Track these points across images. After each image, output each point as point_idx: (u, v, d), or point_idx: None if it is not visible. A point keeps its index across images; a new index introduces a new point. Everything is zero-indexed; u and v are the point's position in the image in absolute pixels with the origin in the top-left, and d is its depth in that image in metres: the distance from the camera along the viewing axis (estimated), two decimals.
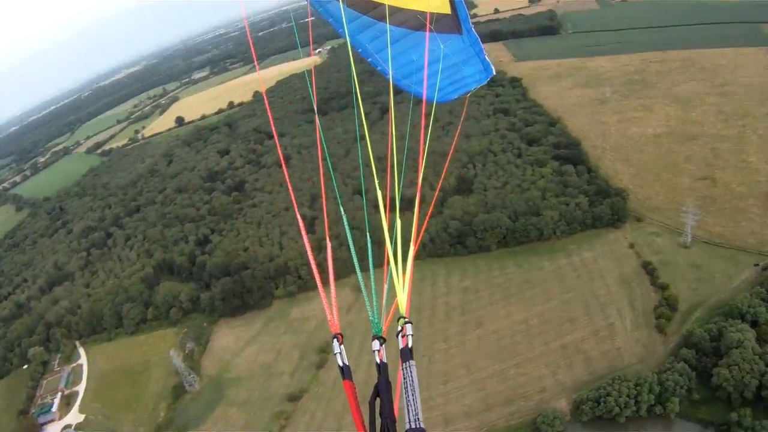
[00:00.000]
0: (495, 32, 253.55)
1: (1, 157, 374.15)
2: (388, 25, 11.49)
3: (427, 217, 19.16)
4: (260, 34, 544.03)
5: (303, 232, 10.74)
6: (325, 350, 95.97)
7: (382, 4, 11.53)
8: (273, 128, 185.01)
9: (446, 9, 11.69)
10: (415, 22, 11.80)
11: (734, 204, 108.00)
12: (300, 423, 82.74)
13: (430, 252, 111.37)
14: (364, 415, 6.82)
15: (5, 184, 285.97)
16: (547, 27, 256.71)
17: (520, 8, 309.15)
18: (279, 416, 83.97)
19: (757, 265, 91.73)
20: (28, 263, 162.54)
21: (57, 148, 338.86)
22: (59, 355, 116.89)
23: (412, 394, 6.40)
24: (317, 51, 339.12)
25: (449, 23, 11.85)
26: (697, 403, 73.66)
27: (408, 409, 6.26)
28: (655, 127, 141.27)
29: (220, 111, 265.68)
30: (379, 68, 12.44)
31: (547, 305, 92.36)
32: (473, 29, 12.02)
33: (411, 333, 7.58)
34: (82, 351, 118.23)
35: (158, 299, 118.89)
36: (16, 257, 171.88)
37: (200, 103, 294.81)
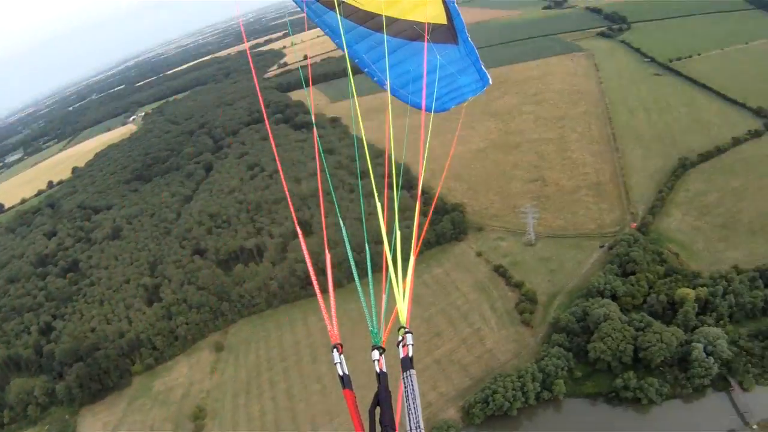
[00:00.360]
0: (307, 78, 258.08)
1: None
2: (385, 35, 11.62)
3: (426, 225, 19.42)
4: (70, 108, 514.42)
5: (301, 240, 10.80)
6: (199, 416, 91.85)
7: (379, 15, 11.67)
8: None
9: (442, 20, 11.91)
10: (411, 32, 11.94)
11: (568, 198, 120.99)
12: None
13: (281, 299, 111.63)
14: (364, 423, 6.85)
15: None
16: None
17: (329, 51, 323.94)
18: None
19: (603, 246, 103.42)
20: None
21: None
22: None
23: (413, 402, 6.41)
24: (131, 119, 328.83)
25: (445, 33, 12.09)
26: (581, 379, 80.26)
27: (409, 417, 6.28)
28: (479, 143, 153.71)
29: (40, 192, 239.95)
30: (375, 78, 12.61)
31: (411, 325, 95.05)
32: (470, 39, 12.26)
33: (411, 342, 7.73)
34: None
35: (11, 399, 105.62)
36: None
37: (18, 186, 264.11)
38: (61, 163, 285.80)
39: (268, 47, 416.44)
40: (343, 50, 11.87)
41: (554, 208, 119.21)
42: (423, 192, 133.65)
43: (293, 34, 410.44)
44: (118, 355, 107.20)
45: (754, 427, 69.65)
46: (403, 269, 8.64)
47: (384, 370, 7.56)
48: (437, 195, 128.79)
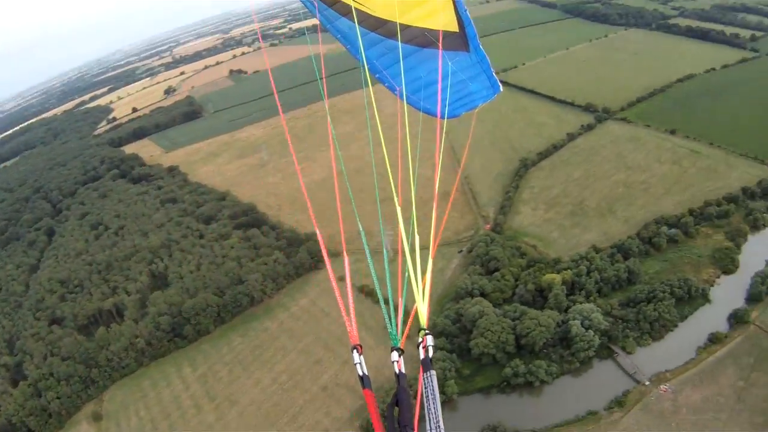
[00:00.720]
0: (138, 130, 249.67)
1: None
2: (399, 42, 11.62)
3: (442, 226, 17.78)
4: None
5: (322, 246, 11.44)
6: None
7: (391, 22, 11.68)
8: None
9: (454, 27, 11.92)
10: (422, 39, 12.04)
11: (418, 212, 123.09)
12: None
13: (150, 356, 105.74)
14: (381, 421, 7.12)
15: None
16: (189, 113, 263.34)
17: (157, 102, 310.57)
18: None
19: (461, 251, 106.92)
20: None
21: None
22: None
23: (433, 403, 6.57)
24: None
25: (457, 41, 12.10)
26: (470, 377, 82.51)
27: (429, 417, 6.38)
28: (320, 173, 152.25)
29: None
30: (386, 84, 12.76)
31: (289, 359, 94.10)
32: (481, 47, 12.33)
33: (432, 344, 7.96)
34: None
35: None
36: None
37: None
38: None
39: (94, 104, 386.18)
40: (355, 56, 12.02)
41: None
42: (273, 228, 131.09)
43: (119, 89, 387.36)
44: None
45: (647, 383, 74.89)
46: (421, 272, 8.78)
47: (403, 371, 7.77)
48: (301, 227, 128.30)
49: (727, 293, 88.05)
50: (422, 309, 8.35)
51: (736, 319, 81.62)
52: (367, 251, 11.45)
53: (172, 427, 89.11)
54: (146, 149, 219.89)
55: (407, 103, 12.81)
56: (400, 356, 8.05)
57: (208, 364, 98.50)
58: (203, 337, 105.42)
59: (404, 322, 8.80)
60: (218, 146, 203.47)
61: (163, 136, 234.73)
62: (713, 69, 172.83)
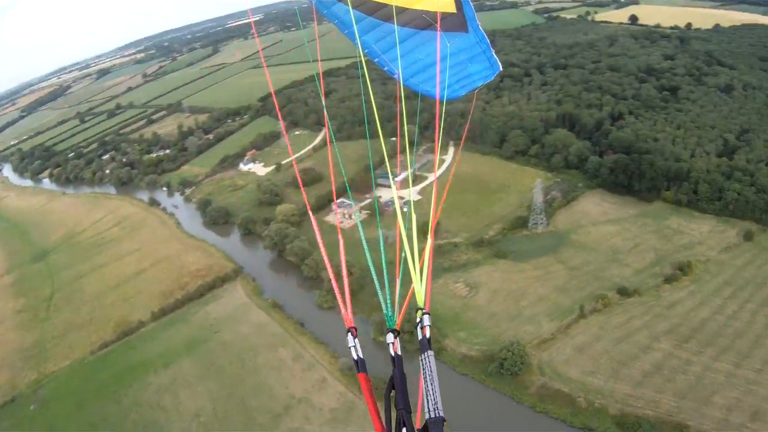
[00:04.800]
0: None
1: None
2: (395, 25, 11.64)
3: (441, 205, 15.36)
4: None
5: (315, 228, 10.73)
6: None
7: (388, 5, 11.70)
8: None
9: (452, 8, 11.74)
10: (421, 21, 11.88)
11: None
12: (614, 313, 74.87)
13: None
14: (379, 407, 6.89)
15: None
16: None
17: None
18: (596, 299, 76.57)
19: None
20: None
21: None
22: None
23: (431, 384, 6.31)
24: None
25: (455, 21, 11.86)
26: None
27: (427, 399, 6.19)
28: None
29: (675, 27, 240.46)
30: (386, 68, 12.39)
31: None
32: (480, 27, 11.99)
33: (429, 324, 7.58)
34: (451, 150, 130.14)
35: (547, 141, 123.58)
36: None
37: (658, 14, 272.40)
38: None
39: None
40: (353, 41, 11.66)
41: None
42: None
43: None
44: (662, 173, 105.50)
45: None
46: (418, 251, 8.52)
47: (399, 353, 7.48)
48: None
49: None
50: (419, 289, 7.98)
51: None
52: (359, 226, 10.41)
53: None
54: None
55: (406, 85, 12.11)
56: (396, 338, 7.69)
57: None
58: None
59: (401, 304, 8.41)
60: None
61: None
62: None
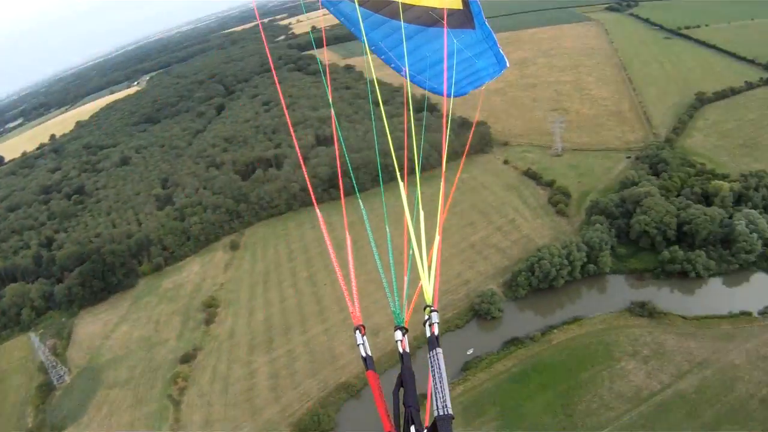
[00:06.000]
0: (317, 40, 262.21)
1: None
2: (402, 22, 11.49)
3: (448, 203, 16.78)
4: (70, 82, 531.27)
5: (322, 224, 10.04)
6: (212, 304, 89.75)
7: (395, 2, 11.50)
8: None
9: (458, 4, 11.71)
10: (427, 18, 11.82)
11: (590, 122, 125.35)
12: (202, 380, 74.96)
13: (302, 201, 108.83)
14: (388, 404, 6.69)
15: None
16: None
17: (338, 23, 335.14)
18: (174, 380, 75.68)
19: (629, 156, 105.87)
20: None
21: None
22: None
23: (440, 381, 6.24)
24: (135, 83, 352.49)
25: (462, 18, 11.90)
26: (624, 257, 79.78)
27: (436, 396, 6.11)
28: (496, 84, 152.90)
29: (42, 146, 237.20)
30: (392, 66, 12.39)
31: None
32: (486, 23, 12.04)
33: (437, 321, 7.45)
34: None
35: (4, 304, 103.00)
36: None
37: (19, 143, 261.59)
38: (64, 121, 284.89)
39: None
40: (359, 38, 11.64)
41: (577, 129, 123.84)
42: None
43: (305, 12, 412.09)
44: (125, 254, 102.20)
45: None
46: (426, 245, 8.37)
47: (407, 350, 7.38)
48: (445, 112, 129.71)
49: None
50: (427, 285, 7.88)
51: None
52: (367, 225, 11.05)
53: (309, 261, 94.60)
54: (323, 56, 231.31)
55: (413, 82, 12.40)
56: (404, 335, 7.55)
57: (358, 214, 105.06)
58: (361, 193, 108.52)
59: (409, 300, 8.27)
60: None
61: (342, 47, 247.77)
62: None
